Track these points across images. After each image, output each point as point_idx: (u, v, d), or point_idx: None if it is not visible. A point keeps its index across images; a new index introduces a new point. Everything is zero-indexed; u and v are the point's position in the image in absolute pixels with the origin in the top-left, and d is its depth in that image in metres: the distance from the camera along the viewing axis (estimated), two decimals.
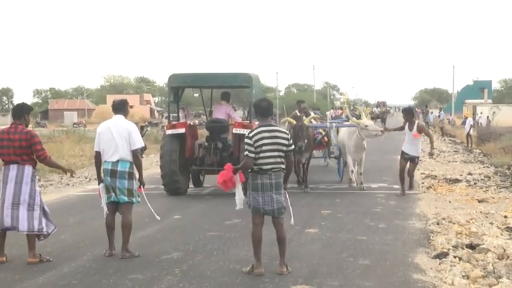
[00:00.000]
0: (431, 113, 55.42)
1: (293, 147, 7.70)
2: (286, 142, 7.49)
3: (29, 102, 9.04)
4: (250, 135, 7.45)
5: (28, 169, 8.17)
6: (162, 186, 14.46)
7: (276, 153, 7.42)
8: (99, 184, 8.63)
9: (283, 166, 7.52)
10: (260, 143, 7.36)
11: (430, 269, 7.77)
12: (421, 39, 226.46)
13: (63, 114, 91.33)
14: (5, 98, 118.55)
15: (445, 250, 8.58)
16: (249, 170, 7.49)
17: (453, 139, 37.86)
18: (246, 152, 7.43)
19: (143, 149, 8.88)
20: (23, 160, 8.14)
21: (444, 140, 37.55)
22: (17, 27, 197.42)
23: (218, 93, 17.17)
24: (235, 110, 18.14)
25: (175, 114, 16.49)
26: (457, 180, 16.28)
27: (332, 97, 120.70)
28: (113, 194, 8.41)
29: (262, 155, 7.37)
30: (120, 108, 8.67)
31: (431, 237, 9.56)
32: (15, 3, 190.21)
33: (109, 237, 8.59)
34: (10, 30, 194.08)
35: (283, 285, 7.09)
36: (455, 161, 22.78)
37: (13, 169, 8.13)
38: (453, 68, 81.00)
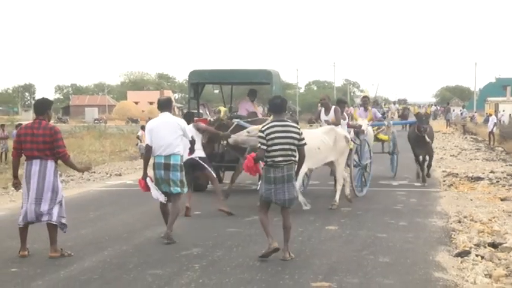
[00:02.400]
0: (453, 110, 55.02)
1: (305, 141, 8.06)
2: (298, 136, 7.98)
3: (50, 98, 9.11)
4: (263, 129, 7.99)
5: (51, 164, 8.21)
6: None
7: (287, 146, 7.90)
8: (144, 178, 9.20)
9: (295, 159, 7.98)
10: (272, 136, 7.88)
11: (452, 268, 7.69)
12: (443, 36, 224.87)
13: (84, 110, 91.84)
14: (27, 94, 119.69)
15: (467, 248, 8.50)
16: (263, 164, 7.98)
17: (475, 137, 37.57)
18: (259, 145, 7.99)
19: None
20: (46, 155, 8.18)
21: (466, 137, 37.27)
22: (40, 24, 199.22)
23: (238, 90, 17.17)
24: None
25: (196, 111, 16.51)
26: (479, 178, 16.13)
27: (352, 94, 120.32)
28: (165, 185, 9.05)
29: (274, 147, 7.87)
30: (167, 105, 9.44)
31: (452, 236, 9.48)
32: (36, 0, 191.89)
33: (166, 221, 9.27)
34: (33, 26, 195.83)
35: (302, 282, 7.06)
36: (477, 159, 22.59)
37: (36, 164, 8.16)
38: (475, 65, 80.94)
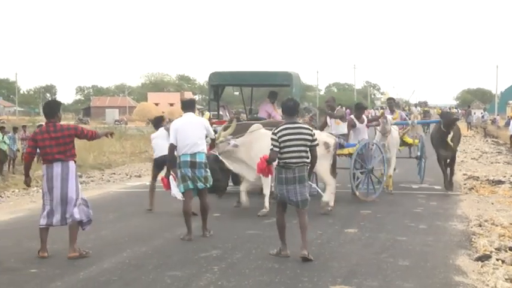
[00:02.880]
0: (474, 113, 54.59)
1: (317, 142, 8.22)
2: (310, 138, 8.09)
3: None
4: (276, 131, 8.11)
5: (72, 165, 8.28)
6: None
7: (300, 148, 8.01)
8: (167, 176, 9.55)
9: (307, 160, 8.09)
10: (284, 138, 7.99)
11: (472, 272, 7.63)
12: (464, 39, 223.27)
13: (104, 112, 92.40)
14: (48, 95, 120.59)
15: (488, 252, 8.43)
16: (276, 165, 8.12)
17: (496, 140, 37.22)
18: (272, 147, 8.07)
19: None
20: (66, 157, 8.25)
21: (487, 140, 36.95)
22: (61, 25, 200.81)
23: (259, 92, 17.16)
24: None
25: (216, 112, 16.54)
26: (500, 182, 15.99)
27: (373, 96, 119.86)
28: (191, 182, 9.26)
29: (286, 149, 7.99)
30: (190, 106, 9.78)
31: (473, 239, 9.40)
32: (58, 2, 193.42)
33: (187, 223, 9.38)
34: (54, 28, 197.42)
35: (321, 285, 7.04)
36: (498, 162, 22.39)
37: (57, 166, 8.21)
38: (497, 68, 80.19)
